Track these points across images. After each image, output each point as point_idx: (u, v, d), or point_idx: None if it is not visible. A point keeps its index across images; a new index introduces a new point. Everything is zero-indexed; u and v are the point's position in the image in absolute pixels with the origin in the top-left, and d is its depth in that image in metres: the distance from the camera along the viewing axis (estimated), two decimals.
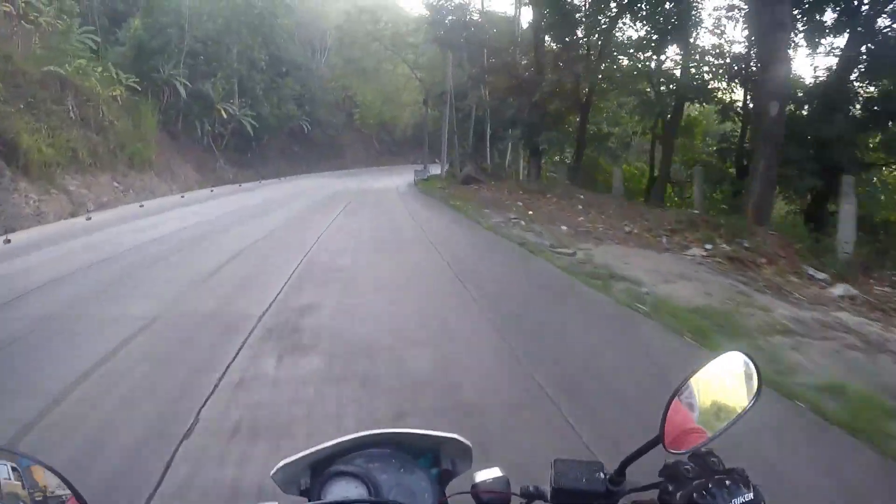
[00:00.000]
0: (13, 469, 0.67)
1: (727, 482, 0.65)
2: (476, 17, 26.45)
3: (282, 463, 0.82)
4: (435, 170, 30.84)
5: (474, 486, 0.82)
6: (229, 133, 31.01)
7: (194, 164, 27.50)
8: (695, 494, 0.65)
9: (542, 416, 3.13)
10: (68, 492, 0.68)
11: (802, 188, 11.61)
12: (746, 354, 0.82)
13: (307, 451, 0.83)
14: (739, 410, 0.79)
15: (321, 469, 0.84)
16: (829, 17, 12.50)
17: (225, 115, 29.96)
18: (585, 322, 5.19)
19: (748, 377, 0.81)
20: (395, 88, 50.25)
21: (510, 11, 28.62)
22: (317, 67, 43.65)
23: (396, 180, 29.28)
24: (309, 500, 0.82)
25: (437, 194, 19.53)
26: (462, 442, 0.86)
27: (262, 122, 32.62)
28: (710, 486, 0.65)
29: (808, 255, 8.01)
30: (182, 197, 20.66)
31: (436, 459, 0.88)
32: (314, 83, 41.58)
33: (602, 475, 0.78)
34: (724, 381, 0.82)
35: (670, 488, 0.69)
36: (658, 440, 0.76)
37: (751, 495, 0.64)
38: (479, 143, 30.04)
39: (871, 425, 2.94)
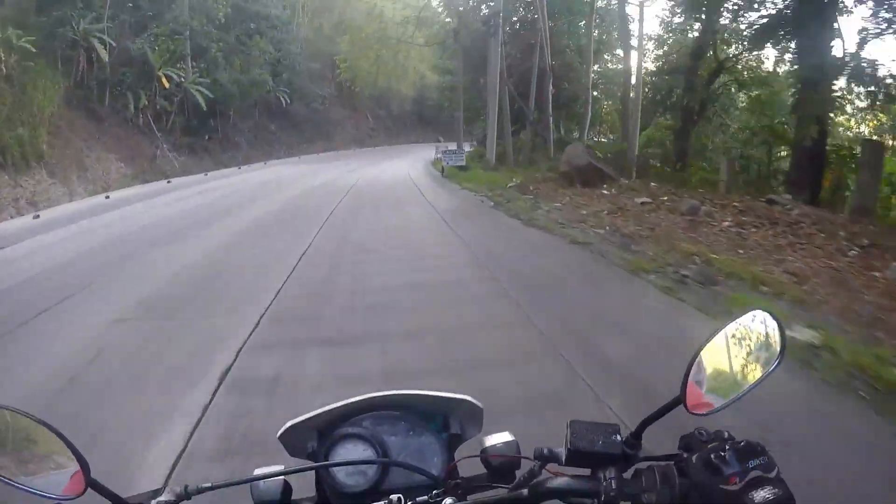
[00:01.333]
0: (16, 430, 0.68)
1: (742, 446, 0.65)
2: None
3: (288, 424, 0.82)
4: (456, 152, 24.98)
5: (484, 450, 0.82)
6: (175, 108, 23.99)
7: (123, 153, 20.52)
8: (712, 456, 0.65)
9: None
10: (72, 457, 0.67)
11: None
12: (770, 313, 0.79)
13: (314, 413, 0.82)
14: (762, 371, 0.78)
15: (329, 431, 0.83)
16: None
17: (168, 85, 22.95)
18: None
19: (771, 337, 0.79)
20: (394, 52, 43.09)
21: None
22: (298, 27, 36.30)
23: (406, 167, 23.17)
24: (316, 462, 0.81)
25: (547, 217, 9.54)
26: (473, 404, 0.85)
27: (222, 91, 25.55)
28: (726, 448, 0.65)
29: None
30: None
31: (445, 423, 0.87)
32: (294, 47, 34.36)
33: (618, 438, 0.76)
34: (746, 341, 0.79)
35: (686, 455, 0.69)
36: (678, 401, 0.75)
37: (766, 459, 0.64)
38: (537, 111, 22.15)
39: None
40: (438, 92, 36.51)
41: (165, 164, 22.50)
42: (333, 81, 40.44)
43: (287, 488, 0.83)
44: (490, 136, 20.45)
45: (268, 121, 32.23)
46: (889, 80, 11.49)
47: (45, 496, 0.69)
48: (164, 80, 22.82)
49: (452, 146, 23.47)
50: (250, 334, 4.23)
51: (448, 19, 29.28)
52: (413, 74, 48.09)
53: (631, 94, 19.00)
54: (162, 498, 0.74)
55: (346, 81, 40.28)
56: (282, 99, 31.02)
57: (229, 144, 27.64)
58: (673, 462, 0.71)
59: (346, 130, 40.22)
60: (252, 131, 30.27)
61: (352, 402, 0.83)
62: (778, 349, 0.77)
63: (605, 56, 29.31)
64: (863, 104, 14.31)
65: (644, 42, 21.21)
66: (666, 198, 10.40)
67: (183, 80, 23.40)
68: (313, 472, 0.83)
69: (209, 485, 0.75)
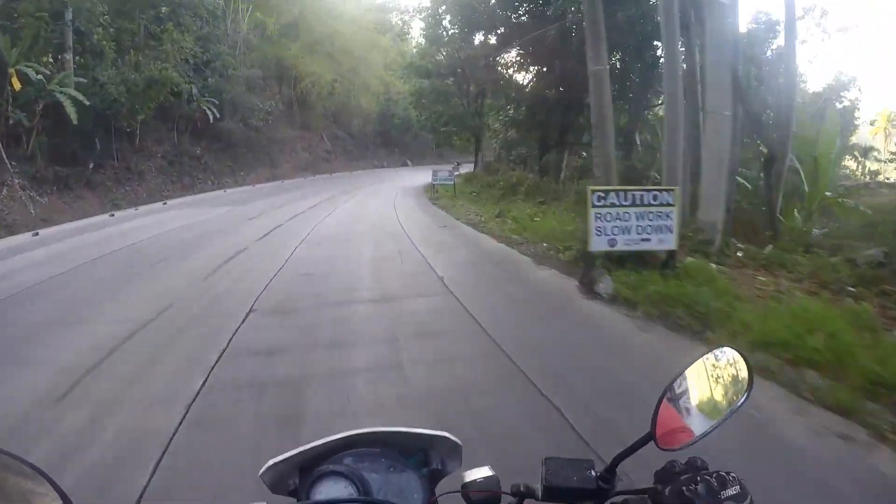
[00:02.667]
0: None
1: (715, 477, 0.66)
2: None
3: (270, 462, 0.83)
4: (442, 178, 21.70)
5: (464, 485, 0.82)
6: (38, 124, 16.34)
7: None
8: (684, 488, 0.66)
9: None
10: (54, 493, 0.65)
11: None
12: (737, 350, 0.84)
13: (295, 451, 0.84)
14: (730, 407, 0.80)
15: (310, 469, 0.84)
16: None
17: (19, 87, 15.36)
18: None
19: (738, 373, 0.82)
20: (356, 58, 36.33)
21: None
22: (233, 24, 29.05)
23: (384, 208, 17.24)
24: (298, 501, 0.82)
25: None
26: (452, 440, 0.87)
27: (102, 96, 17.99)
28: (698, 480, 0.66)
29: None
30: None
31: (425, 458, 0.89)
32: (227, 46, 27.09)
33: (593, 473, 0.79)
34: (714, 378, 0.83)
35: (660, 487, 0.70)
36: (649, 437, 0.77)
37: (738, 488, 0.65)
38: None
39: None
40: (416, 103, 29.83)
41: (16, 209, 14.78)
42: (281, 94, 33.28)
43: None
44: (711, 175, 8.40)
45: (191, 142, 24.61)
46: None
47: None
48: (15, 80, 15.24)
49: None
50: None
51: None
52: (378, 86, 41.56)
53: None
54: None
55: (298, 94, 33.43)
56: (209, 113, 23.55)
57: (130, 175, 19.94)
58: (647, 495, 0.73)
59: (295, 154, 32.96)
60: (167, 156, 22.62)
61: (332, 440, 0.85)
62: (745, 384, 0.81)
63: None
64: None
65: None
66: None
67: (44, 80, 15.78)
68: None
69: None
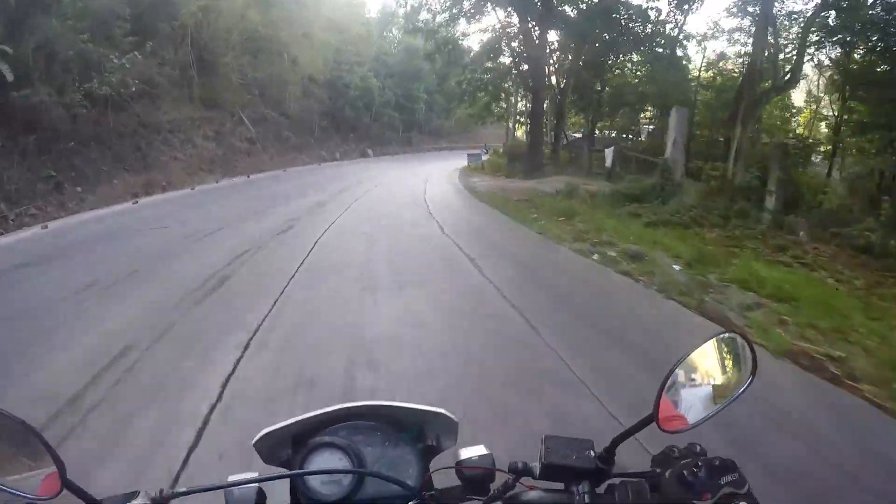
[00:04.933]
0: None
1: (715, 463, 0.68)
2: None
3: (263, 432, 0.84)
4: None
5: (459, 462, 0.85)
6: None
7: None
8: (684, 472, 0.68)
9: None
10: (48, 458, 0.68)
11: None
12: (742, 336, 0.84)
13: (290, 421, 0.85)
14: (733, 390, 0.82)
15: (304, 440, 0.85)
16: None
17: None
18: None
19: (743, 358, 0.83)
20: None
21: None
22: None
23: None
24: (290, 470, 0.84)
25: None
26: (448, 417, 0.89)
27: None
28: (698, 464, 0.68)
29: None
30: None
31: (421, 434, 0.90)
32: None
33: (592, 453, 0.80)
34: (718, 363, 0.84)
35: (658, 471, 0.73)
36: (651, 419, 0.78)
37: (737, 475, 0.67)
38: None
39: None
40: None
41: None
42: (175, 54, 21.37)
43: (261, 496, 0.83)
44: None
45: (50, 140, 12.66)
46: None
47: (20, 495, 0.69)
48: None
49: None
50: None
51: None
52: (323, 48, 29.69)
53: None
54: (136, 501, 0.74)
55: (197, 53, 21.53)
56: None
57: None
58: (645, 478, 0.75)
59: (192, 146, 20.78)
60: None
61: (328, 412, 0.86)
62: (749, 369, 0.82)
63: None
64: None
65: None
66: None
67: None
68: (288, 480, 0.84)
69: (184, 489, 0.77)
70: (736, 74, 23.88)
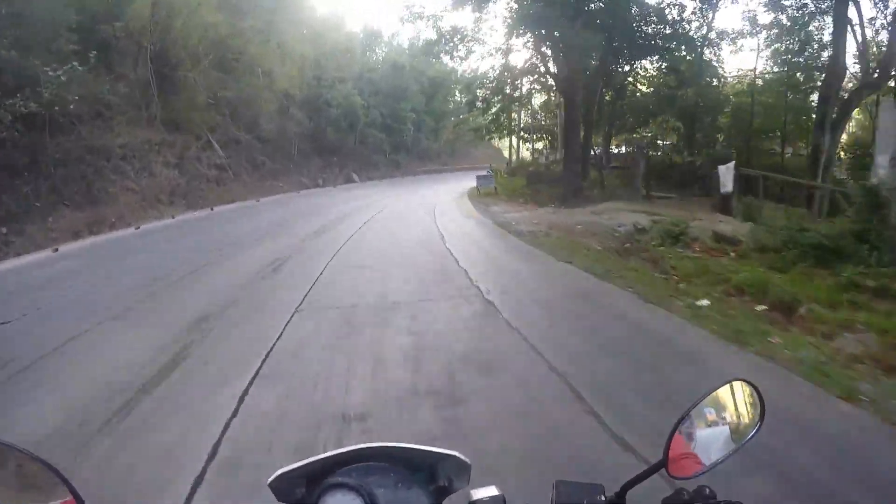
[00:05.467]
0: (10, 466, 0.69)
1: None
2: None
3: (279, 472, 0.85)
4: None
5: (470, 503, 0.87)
6: None
7: None
8: None
9: None
10: (65, 488, 0.69)
11: None
12: (749, 383, 0.88)
13: (304, 462, 0.86)
14: (741, 438, 0.84)
15: (318, 480, 0.86)
16: None
17: None
18: None
19: (752, 405, 0.87)
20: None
21: None
22: None
23: None
24: None
25: None
26: (460, 459, 0.88)
27: None
28: None
29: None
30: None
31: (433, 475, 0.90)
32: None
33: (602, 498, 0.81)
34: (727, 408, 0.87)
35: None
36: (661, 465, 0.80)
37: None
38: None
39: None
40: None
41: None
42: (135, 72, 18.87)
43: None
44: None
45: None
46: None
47: None
48: None
49: None
50: None
51: None
52: (301, 61, 27.31)
53: None
54: None
55: (157, 67, 19.07)
56: None
57: None
58: None
59: (150, 174, 18.10)
60: None
61: (341, 453, 0.87)
62: (758, 415, 0.85)
63: None
64: None
65: None
66: None
67: None
68: None
69: None
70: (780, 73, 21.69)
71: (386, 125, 37.02)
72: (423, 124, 41.92)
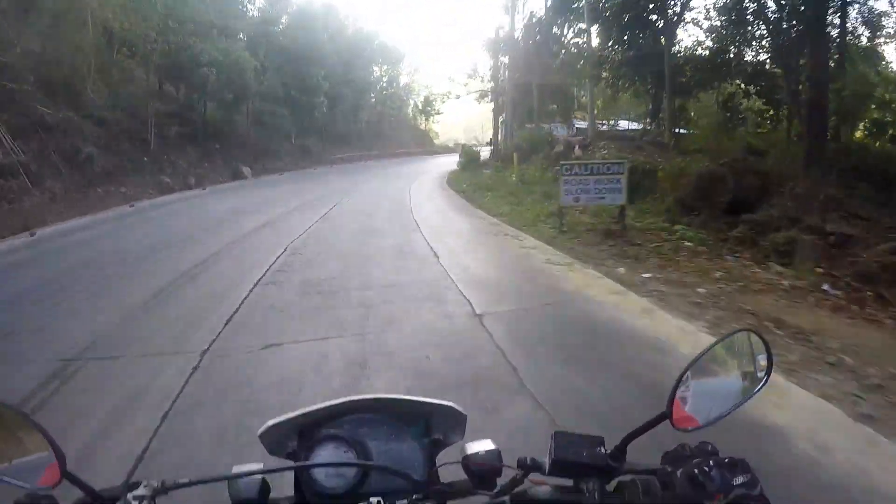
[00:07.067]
0: None
1: (727, 462, 0.68)
2: None
3: (269, 423, 0.84)
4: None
5: (465, 457, 0.84)
6: None
7: None
8: (696, 471, 0.68)
9: None
10: (49, 449, 0.71)
11: None
12: (757, 333, 0.85)
13: (295, 413, 0.85)
14: (748, 389, 0.83)
15: (310, 432, 0.86)
16: None
17: None
18: None
19: (758, 356, 0.84)
20: None
21: None
22: None
23: None
24: (296, 462, 0.84)
25: None
26: (456, 410, 0.88)
27: None
28: (710, 463, 0.68)
29: None
30: None
31: (427, 428, 0.90)
32: None
33: (603, 450, 0.80)
34: (733, 360, 0.85)
35: (669, 469, 0.73)
36: (664, 417, 0.79)
37: (749, 476, 0.67)
38: None
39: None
40: None
41: None
42: None
43: (265, 487, 0.84)
44: None
45: None
46: None
47: (20, 486, 0.71)
48: None
49: None
50: None
51: None
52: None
53: None
54: (138, 492, 0.75)
55: None
56: None
57: None
58: (656, 475, 0.74)
59: None
60: None
61: (333, 404, 0.86)
62: (764, 368, 0.83)
63: None
64: None
65: None
66: None
67: None
68: (292, 472, 0.85)
69: (186, 480, 0.77)
70: None
71: (291, 98, 27.64)
72: (342, 98, 32.84)
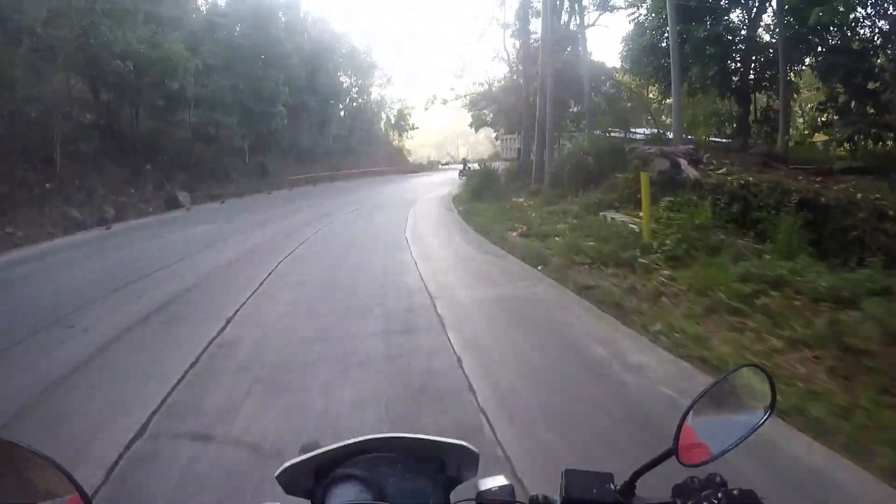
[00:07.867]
0: (13, 462, 0.70)
1: (735, 494, 0.68)
2: None
3: (287, 464, 0.85)
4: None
5: (479, 493, 0.85)
6: None
7: None
8: (706, 503, 0.69)
9: None
10: (71, 487, 0.70)
11: None
12: (761, 369, 0.87)
13: (312, 453, 0.86)
14: (753, 422, 0.84)
15: (326, 472, 0.86)
16: None
17: None
18: None
19: (762, 391, 0.86)
20: None
21: None
22: None
23: None
24: (312, 502, 0.84)
25: None
26: (469, 449, 0.88)
27: None
28: (719, 495, 0.69)
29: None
30: None
31: (441, 465, 0.90)
32: None
33: (613, 486, 0.81)
34: (737, 394, 0.87)
35: (680, 502, 0.73)
36: (671, 453, 0.80)
37: None
38: None
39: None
40: None
41: None
42: None
43: None
44: None
45: None
46: None
47: None
48: None
49: None
50: None
51: None
52: None
53: None
54: None
55: None
56: None
57: None
58: None
59: None
60: None
61: (349, 444, 0.86)
62: (768, 401, 0.85)
63: None
64: None
65: None
66: None
67: None
68: None
69: None
70: None
71: (243, 106, 23.10)
72: (305, 109, 28.33)
